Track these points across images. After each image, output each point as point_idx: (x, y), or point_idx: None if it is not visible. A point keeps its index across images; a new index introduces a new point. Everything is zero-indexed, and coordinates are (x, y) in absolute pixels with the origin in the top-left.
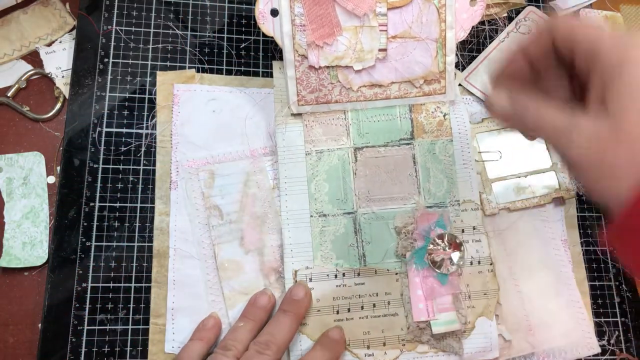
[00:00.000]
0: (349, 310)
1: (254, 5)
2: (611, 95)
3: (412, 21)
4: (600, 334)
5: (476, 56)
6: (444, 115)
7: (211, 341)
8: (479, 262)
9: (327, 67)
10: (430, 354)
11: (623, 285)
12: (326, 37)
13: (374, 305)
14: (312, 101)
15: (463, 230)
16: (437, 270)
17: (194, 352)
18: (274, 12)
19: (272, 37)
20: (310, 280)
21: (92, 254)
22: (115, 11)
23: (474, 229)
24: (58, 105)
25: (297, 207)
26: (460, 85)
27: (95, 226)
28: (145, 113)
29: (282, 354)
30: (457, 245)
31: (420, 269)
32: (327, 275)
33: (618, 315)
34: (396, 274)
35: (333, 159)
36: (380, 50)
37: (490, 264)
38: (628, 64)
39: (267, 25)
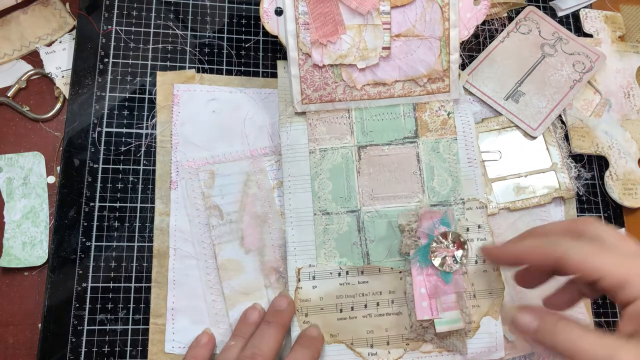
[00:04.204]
0: (352, 308)
1: (259, 4)
2: None
3: (415, 19)
4: None
5: (476, 56)
6: (448, 114)
7: (205, 359)
8: (484, 261)
9: (331, 65)
10: (434, 353)
11: None
12: (330, 35)
13: (378, 304)
14: (316, 100)
15: (468, 229)
16: (440, 268)
17: None
18: (279, 12)
19: (275, 37)
20: (314, 278)
21: (92, 254)
22: (115, 11)
23: (479, 227)
24: (58, 105)
25: (301, 206)
26: None
27: (95, 226)
28: (145, 113)
29: None
30: (460, 244)
31: (423, 267)
32: (331, 274)
33: (618, 315)
34: (400, 272)
35: (337, 157)
36: (384, 48)
37: None
38: None
39: (271, 24)
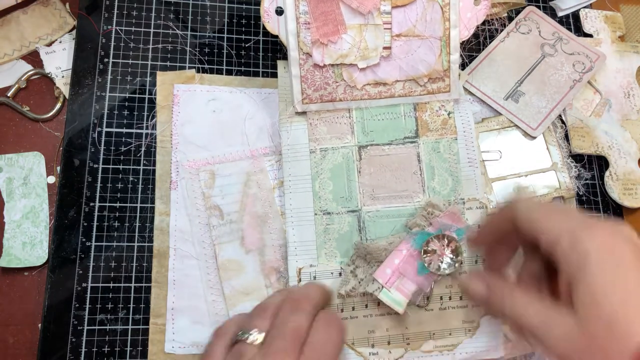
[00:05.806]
0: (353, 308)
1: (259, 4)
2: (576, 298)
3: (416, 19)
4: None
5: (476, 56)
6: (448, 114)
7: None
8: (484, 260)
9: (332, 65)
10: (434, 353)
11: None
12: (330, 35)
13: (379, 304)
14: (317, 99)
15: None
16: (424, 259)
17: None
18: (279, 11)
19: (276, 37)
20: (315, 278)
21: (92, 254)
22: (115, 11)
23: (479, 227)
24: (58, 105)
25: (302, 205)
26: None
27: (95, 226)
28: (145, 113)
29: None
30: (454, 258)
31: (412, 247)
32: (332, 273)
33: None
34: None
35: (337, 157)
36: (384, 48)
37: None
38: (586, 269)
39: (272, 24)
